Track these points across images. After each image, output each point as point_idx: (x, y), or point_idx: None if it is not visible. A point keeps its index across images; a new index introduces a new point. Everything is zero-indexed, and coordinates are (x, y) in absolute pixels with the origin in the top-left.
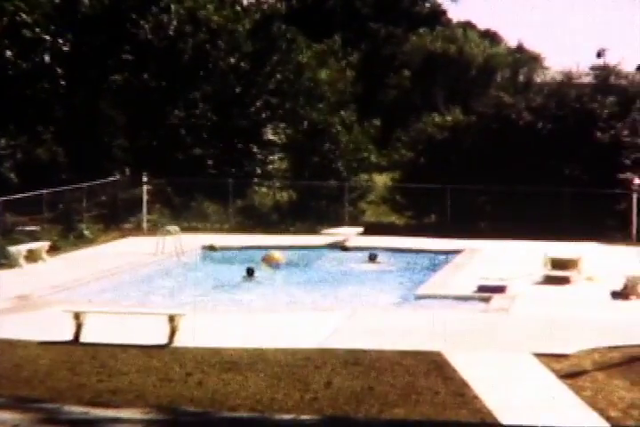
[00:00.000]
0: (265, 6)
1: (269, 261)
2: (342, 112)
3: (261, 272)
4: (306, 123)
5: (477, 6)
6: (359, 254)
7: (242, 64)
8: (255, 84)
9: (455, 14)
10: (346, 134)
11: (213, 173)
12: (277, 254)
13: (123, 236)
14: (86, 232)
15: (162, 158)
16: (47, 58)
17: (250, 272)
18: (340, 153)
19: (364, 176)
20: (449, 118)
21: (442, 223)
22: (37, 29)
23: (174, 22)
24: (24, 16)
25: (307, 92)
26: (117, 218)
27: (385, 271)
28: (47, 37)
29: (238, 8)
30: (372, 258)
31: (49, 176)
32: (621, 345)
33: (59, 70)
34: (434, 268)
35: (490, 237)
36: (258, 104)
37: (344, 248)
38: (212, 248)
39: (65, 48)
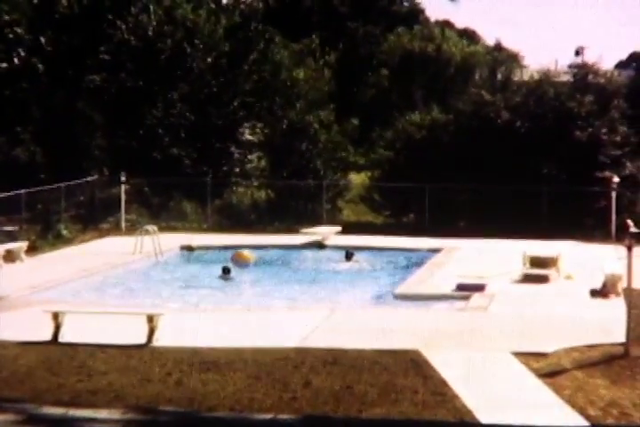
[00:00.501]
0: (243, 6)
1: (238, 260)
2: (320, 111)
3: (238, 272)
4: (284, 122)
5: (455, 5)
6: (337, 253)
7: (219, 63)
8: (232, 84)
9: (433, 13)
10: (324, 133)
11: (191, 172)
12: (246, 253)
13: (101, 236)
14: (65, 232)
15: (140, 158)
16: (24, 55)
17: (226, 271)
18: (318, 152)
19: (342, 175)
20: (427, 117)
21: (420, 222)
22: (18, 29)
23: (153, 22)
24: (6, 17)
25: (284, 91)
26: (95, 218)
27: (363, 270)
28: (27, 37)
29: (213, 6)
30: (349, 256)
31: (27, 176)
32: (601, 343)
33: (39, 69)
34: (412, 267)
35: (468, 236)
36: (235, 103)
37: (321, 247)
38: (190, 248)
39: (46, 47)
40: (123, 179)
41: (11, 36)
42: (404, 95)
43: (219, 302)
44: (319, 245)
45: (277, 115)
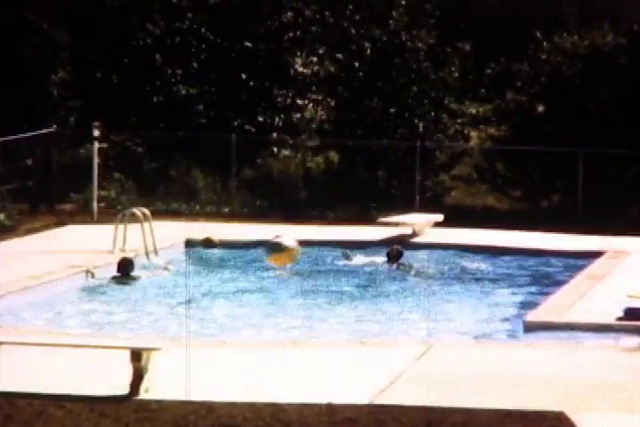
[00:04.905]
0: None
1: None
2: (415, 31)
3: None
4: (365, 46)
5: None
6: (442, 254)
7: None
8: None
9: None
10: (422, 65)
11: (207, 124)
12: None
13: (60, 223)
14: (0, 216)
15: (125, 100)
16: None
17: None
18: (412, 95)
19: (449, 132)
20: (584, 42)
21: (569, 209)
22: None
23: None
24: None
25: None
26: (52, 194)
27: (477, 284)
28: None
29: None
30: (393, 256)
31: None
32: None
33: None
34: (556, 280)
35: None
36: (283, 17)
37: (403, 249)
38: (208, 243)
39: None
40: (96, 133)
41: None
42: (548, 6)
43: (246, 330)
44: (406, 243)
45: (349, 34)
